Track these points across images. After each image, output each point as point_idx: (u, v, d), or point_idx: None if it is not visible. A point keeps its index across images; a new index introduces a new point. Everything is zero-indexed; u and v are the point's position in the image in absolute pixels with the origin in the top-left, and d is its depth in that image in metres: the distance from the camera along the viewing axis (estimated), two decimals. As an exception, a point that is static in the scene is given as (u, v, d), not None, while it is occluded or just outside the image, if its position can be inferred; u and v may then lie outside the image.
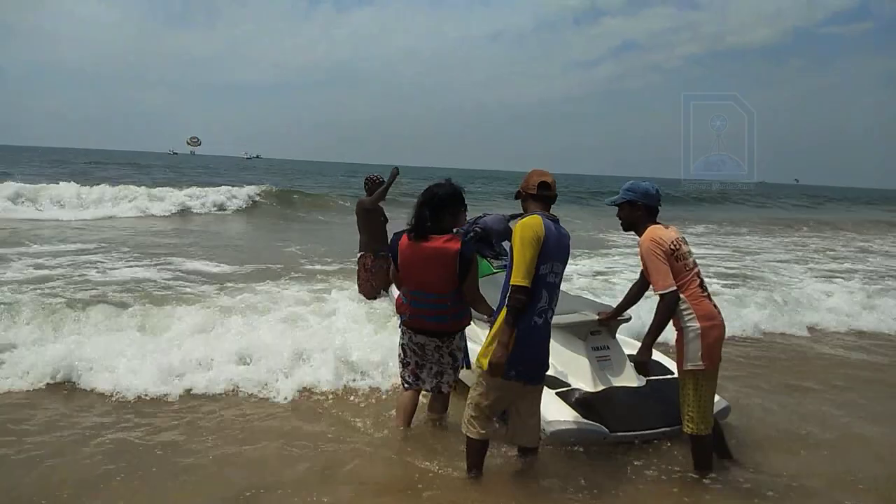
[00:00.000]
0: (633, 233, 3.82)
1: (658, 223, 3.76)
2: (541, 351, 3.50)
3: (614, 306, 4.52)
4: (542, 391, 3.71)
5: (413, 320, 4.05)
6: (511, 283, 3.28)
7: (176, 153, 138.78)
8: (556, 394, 4.16)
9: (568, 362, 4.40)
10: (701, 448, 3.77)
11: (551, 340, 3.96)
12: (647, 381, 4.46)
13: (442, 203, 3.84)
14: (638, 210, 3.75)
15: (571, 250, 3.73)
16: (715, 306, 3.73)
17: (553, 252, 3.36)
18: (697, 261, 3.82)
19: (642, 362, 3.85)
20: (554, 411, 4.01)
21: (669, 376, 4.53)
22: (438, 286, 3.90)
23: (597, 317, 4.43)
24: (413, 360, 4.18)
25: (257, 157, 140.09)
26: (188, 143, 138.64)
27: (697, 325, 3.59)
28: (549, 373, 4.04)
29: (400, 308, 4.11)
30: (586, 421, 3.96)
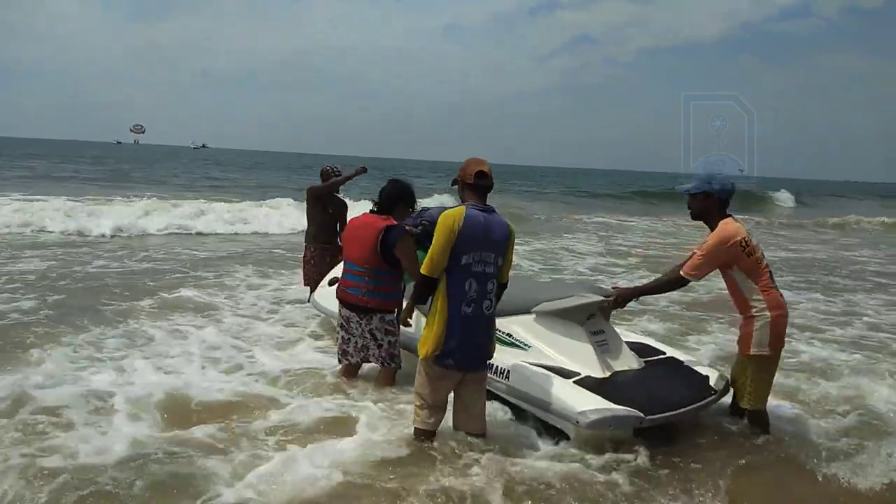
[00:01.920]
0: (702, 222, 3.90)
1: (730, 216, 3.84)
2: (476, 339, 3.46)
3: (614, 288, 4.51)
4: (485, 379, 3.67)
5: (339, 291, 4.44)
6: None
7: (120, 142, 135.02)
8: (574, 382, 3.90)
9: (572, 349, 4.18)
10: (758, 420, 3.97)
11: (546, 331, 4.22)
12: (646, 362, 4.42)
13: (390, 196, 4.38)
14: (713, 202, 3.81)
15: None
16: (781, 296, 3.84)
17: (479, 242, 3.34)
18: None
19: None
20: (581, 401, 3.69)
21: (663, 356, 4.60)
22: (359, 257, 4.28)
23: (594, 298, 4.26)
24: (341, 334, 4.52)
25: (203, 146, 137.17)
26: (132, 131, 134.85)
27: (768, 314, 3.73)
28: (553, 363, 4.06)
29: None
30: (621, 407, 3.64)
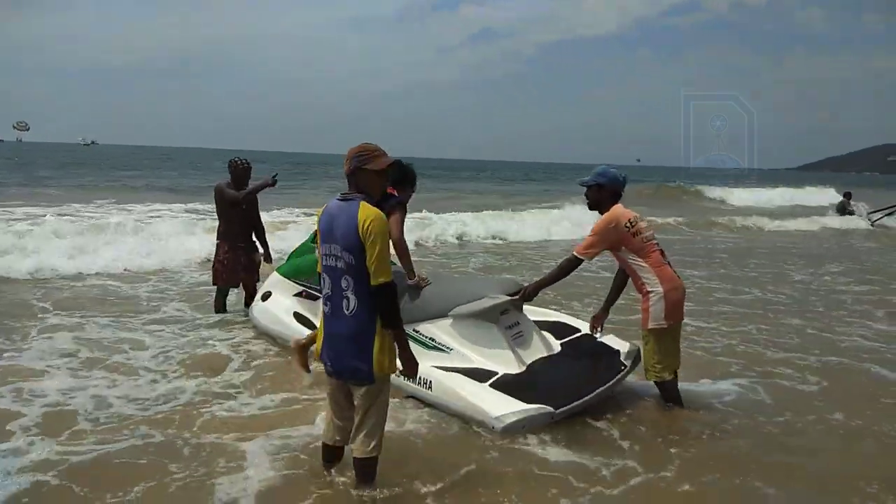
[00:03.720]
0: (596, 212, 4.24)
1: (619, 204, 4.17)
2: (338, 344, 3.04)
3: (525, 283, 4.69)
4: (363, 394, 3.07)
5: None
6: None
7: (2, 140, 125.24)
8: (490, 385, 4.09)
9: (487, 349, 4.36)
10: (667, 390, 4.25)
11: (463, 334, 4.37)
12: (562, 344, 4.71)
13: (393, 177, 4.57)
14: (605, 192, 4.16)
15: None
16: (675, 272, 4.16)
17: (324, 233, 3.03)
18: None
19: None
20: (495, 405, 3.88)
21: (578, 334, 4.91)
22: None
23: (506, 298, 4.44)
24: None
25: (93, 143, 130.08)
26: (14, 128, 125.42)
27: (661, 289, 4.02)
28: (470, 366, 4.26)
29: None
30: (531, 406, 3.85)
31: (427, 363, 4.25)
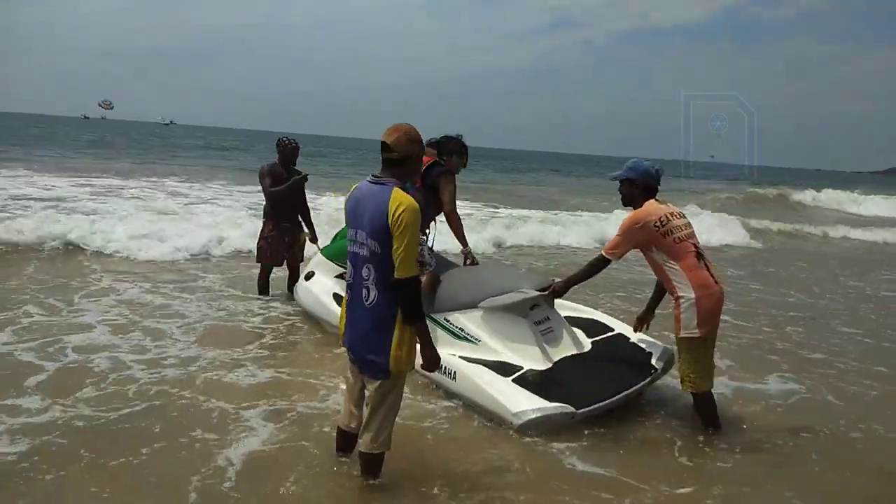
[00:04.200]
0: (630, 207, 3.96)
1: (654, 199, 3.90)
2: (357, 333, 2.91)
3: (554, 279, 4.50)
4: (376, 389, 2.93)
5: None
6: None
7: (87, 117, 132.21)
8: (513, 381, 4.00)
9: (514, 344, 4.27)
10: (703, 403, 3.91)
11: (492, 326, 4.28)
12: (593, 342, 4.55)
13: (448, 146, 4.81)
14: (636, 188, 3.91)
15: None
16: (712, 275, 3.81)
17: (350, 216, 2.88)
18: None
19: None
20: (514, 400, 3.81)
21: (611, 333, 4.73)
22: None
23: (536, 293, 4.33)
24: None
25: (171, 122, 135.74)
26: (100, 106, 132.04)
27: (692, 294, 3.71)
28: (497, 359, 4.17)
29: None
30: (551, 404, 3.76)
31: (455, 353, 4.27)
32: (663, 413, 4.24)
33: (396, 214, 2.68)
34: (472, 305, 4.45)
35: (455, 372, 4.12)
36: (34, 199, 12.38)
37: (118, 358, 4.63)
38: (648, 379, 4.22)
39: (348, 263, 2.92)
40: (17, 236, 8.17)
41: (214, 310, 6.08)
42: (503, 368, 4.10)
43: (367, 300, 2.83)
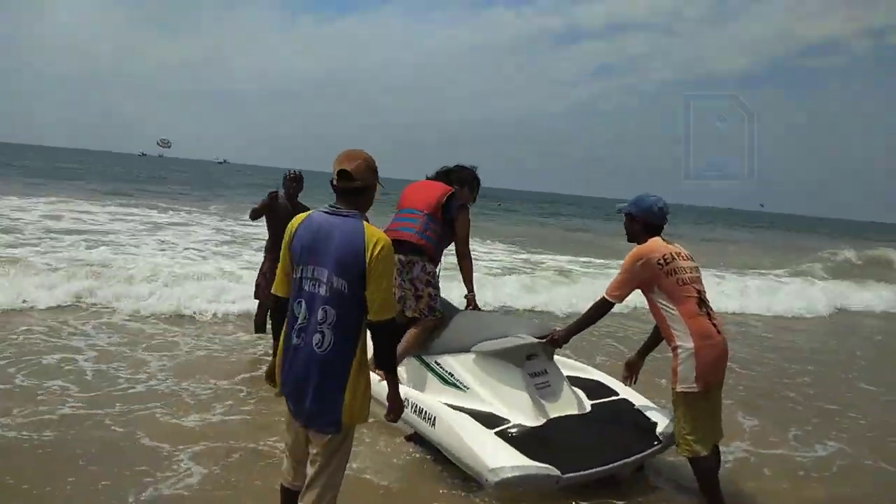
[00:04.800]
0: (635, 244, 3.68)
1: (659, 237, 3.61)
2: (304, 384, 2.52)
3: (556, 327, 4.16)
4: (327, 445, 2.56)
5: (388, 234, 4.29)
6: None
7: (145, 154, 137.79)
8: (496, 433, 3.62)
9: (505, 394, 3.92)
10: (703, 472, 3.46)
11: (483, 373, 3.97)
12: (593, 405, 4.13)
13: (460, 178, 4.58)
14: (636, 224, 3.64)
15: None
16: (714, 325, 3.45)
17: (307, 252, 2.52)
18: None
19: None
20: (494, 455, 3.37)
21: (615, 397, 4.30)
22: (422, 205, 4.33)
23: (533, 340, 3.96)
24: None
25: (225, 161, 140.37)
26: (158, 145, 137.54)
27: (691, 344, 3.36)
28: (484, 409, 3.86)
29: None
30: (534, 464, 3.33)
31: (439, 398, 3.96)
32: (664, 487, 3.81)
33: (376, 253, 2.41)
34: (464, 349, 4.12)
35: (435, 418, 3.75)
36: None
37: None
38: (650, 450, 3.73)
39: (301, 302, 2.54)
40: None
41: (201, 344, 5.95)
42: (488, 419, 3.73)
43: (319, 346, 2.47)
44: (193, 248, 11.73)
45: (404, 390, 4.02)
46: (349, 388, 2.48)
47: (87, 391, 4.58)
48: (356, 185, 2.50)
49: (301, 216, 2.61)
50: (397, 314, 4.19)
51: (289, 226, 2.61)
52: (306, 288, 2.50)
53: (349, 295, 2.44)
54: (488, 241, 17.65)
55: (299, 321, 2.51)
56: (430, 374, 4.18)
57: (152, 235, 13.08)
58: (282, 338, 2.59)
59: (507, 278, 10.76)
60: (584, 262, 14.82)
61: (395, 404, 2.64)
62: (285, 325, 2.58)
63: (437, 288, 4.33)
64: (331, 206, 2.54)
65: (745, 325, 9.50)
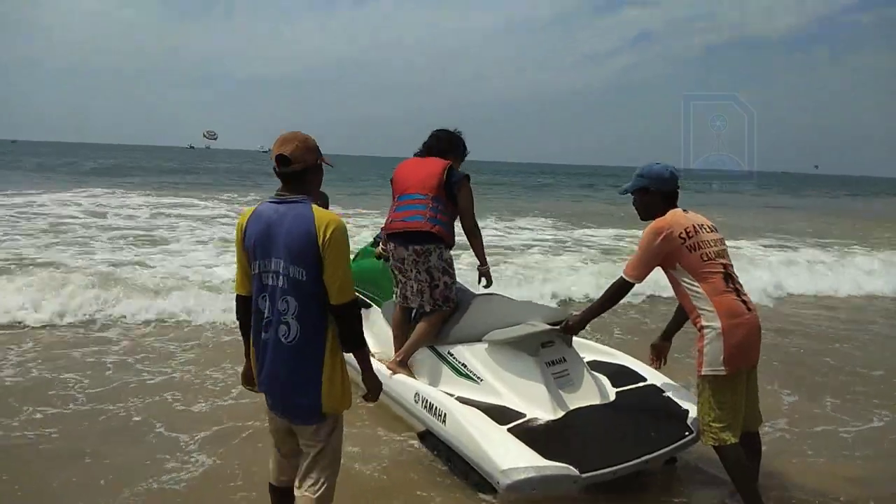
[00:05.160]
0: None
1: (678, 208, 3.32)
2: (277, 376, 2.51)
3: (574, 312, 3.88)
4: (311, 435, 2.55)
5: (394, 225, 4.08)
6: None
7: (193, 147, 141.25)
8: (509, 430, 3.34)
9: (519, 386, 3.66)
10: (731, 462, 3.14)
11: (497, 364, 3.74)
12: (618, 393, 3.83)
13: (440, 146, 4.19)
14: (652, 197, 3.32)
15: None
16: (744, 301, 3.16)
17: (260, 246, 2.47)
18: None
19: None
20: (506, 455, 3.11)
21: (642, 383, 3.96)
22: (421, 186, 4.02)
23: (546, 327, 3.68)
24: (398, 278, 4.20)
25: (269, 150, 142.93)
26: (204, 137, 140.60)
27: (718, 323, 3.08)
28: (498, 402, 3.63)
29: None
30: (550, 464, 3.06)
31: (453, 392, 3.74)
32: (697, 481, 3.52)
33: (328, 236, 2.37)
34: (477, 338, 3.88)
35: (445, 414, 3.51)
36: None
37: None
38: (681, 441, 3.38)
39: (263, 297, 2.47)
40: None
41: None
42: (501, 414, 3.48)
43: (286, 337, 2.44)
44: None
45: (415, 384, 3.90)
46: (325, 375, 2.46)
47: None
48: (296, 168, 2.46)
49: (248, 210, 2.56)
50: (415, 307, 4.13)
51: (238, 224, 2.55)
52: (267, 282, 2.47)
53: (308, 282, 2.40)
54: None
55: (265, 316, 2.48)
56: (444, 366, 3.98)
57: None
58: (251, 337, 2.56)
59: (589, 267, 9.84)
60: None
61: (371, 384, 2.63)
62: (253, 323, 2.55)
63: (453, 277, 4.12)
64: (277, 193, 2.51)
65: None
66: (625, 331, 6.59)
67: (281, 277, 2.43)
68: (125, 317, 6.36)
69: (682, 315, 3.43)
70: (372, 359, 4.28)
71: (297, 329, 2.43)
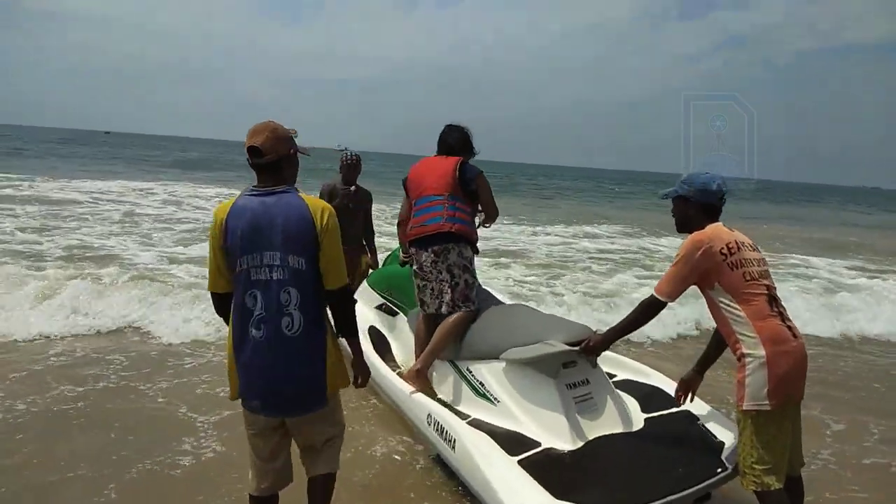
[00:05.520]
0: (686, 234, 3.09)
1: (719, 223, 3.06)
2: (276, 372, 2.47)
3: (603, 328, 3.59)
4: (319, 421, 2.61)
5: (413, 230, 4.05)
6: None
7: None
8: (520, 461, 3.05)
9: (536, 411, 3.37)
10: None
11: (513, 385, 3.50)
12: (647, 420, 3.49)
13: (451, 144, 4.15)
14: (691, 208, 3.08)
15: None
16: (790, 328, 2.86)
17: (249, 239, 2.42)
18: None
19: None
20: (509, 492, 2.84)
21: (674, 409, 3.59)
22: (436, 186, 3.97)
23: (565, 347, 3.37)
24: (417, 283, 4.14)
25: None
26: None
27: (762, 351, 2.79)
28: (513, 428, 3.36)
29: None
30: (561, 503, 2.73)
31: (470, 413, 3.59)
32: None
33: (325, 222, 2.44)
34: (495, 355, 3.63)
35: (455, 441, 3.25)
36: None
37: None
38: (712, 480, 3.00)
39: (254, 293, 2.42)
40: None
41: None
42: (515, 442, 3.21)
43: (290, 329, 2.44)
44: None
45: (430, 404, 3.69)
46: (329, 359, 2.53)
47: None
48: (271, 159, 2.47)
49: (224, 205, 2.51)
50: (435, 311, 4.02)
51: (215, 220, 2.48)
52: (258, 277, 2.43)
53: (307, 270, 2.44)
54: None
55: (256, 313, 2.44)
56: (463, 384, 3.76)
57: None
58: (232, 338, 2.50)
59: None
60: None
61: (361, 369, 2.72)
62: (236, 322, 2.48)
63: (474, 276, 4.00)
64: (255, 186, 2.50)
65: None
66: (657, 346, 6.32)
67: (279, 270, 2.42)
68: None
69: (720, 343, 3.15)
70: (392, 374, 4.12)
71: (301, 319, 2.44)
